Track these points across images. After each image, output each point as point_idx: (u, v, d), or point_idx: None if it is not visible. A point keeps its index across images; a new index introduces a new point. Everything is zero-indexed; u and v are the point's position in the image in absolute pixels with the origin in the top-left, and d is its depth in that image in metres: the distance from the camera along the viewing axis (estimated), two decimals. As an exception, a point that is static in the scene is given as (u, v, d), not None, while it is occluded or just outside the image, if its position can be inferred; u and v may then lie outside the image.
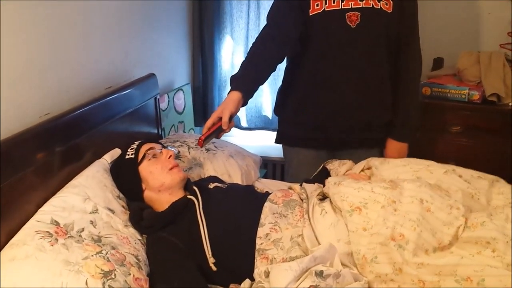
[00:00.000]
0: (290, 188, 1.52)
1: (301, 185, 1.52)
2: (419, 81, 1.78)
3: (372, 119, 1.67)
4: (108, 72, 1.77)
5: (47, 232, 1.16)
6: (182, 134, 2.31)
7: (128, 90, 1.74)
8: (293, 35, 1.57)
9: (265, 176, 2.54)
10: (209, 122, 1.48)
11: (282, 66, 1.75)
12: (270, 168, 2.75)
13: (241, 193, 1.49)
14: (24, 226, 1.18)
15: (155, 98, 1.96)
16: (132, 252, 1.27)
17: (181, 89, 2.42)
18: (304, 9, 1.55)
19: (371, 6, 1.53)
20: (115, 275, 1.14)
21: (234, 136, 2.87)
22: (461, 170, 1.37)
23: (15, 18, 1.28)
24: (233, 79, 1.54)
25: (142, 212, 1.40)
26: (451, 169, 1.35)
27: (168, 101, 2.26)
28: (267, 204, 1.37)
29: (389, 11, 1.54)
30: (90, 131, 1.50)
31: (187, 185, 1.49)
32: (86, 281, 1.08)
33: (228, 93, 1.52)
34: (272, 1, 1.64)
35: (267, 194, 1.47)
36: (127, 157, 1.48)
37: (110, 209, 1.35)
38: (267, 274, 1.13)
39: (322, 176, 1.56)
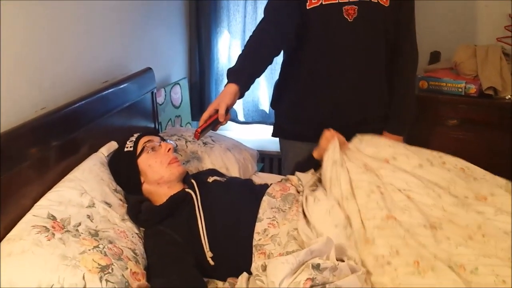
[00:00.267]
0: (287, 179, 1.52)
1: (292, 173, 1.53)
2: (415, 75, 1.78)
3: (369, 112, 1.67)
4: (105, 66, 1.76)
5: (44, 226, 1.16)
6: (179, 128, 2.31)
7: (125, 84, 1.73)
8: (290, 28, 1.57)
9: (262, 170, 2.54)
10: (205, 115, 1.48)
11: (279, 60, 1.74)
12: (267, 162, 2.75)
13: (240, 187, 1.49)
14: (20, 221, 1.18)
15: (152, 92, 1.96)
16: (130, 246, 1.27)
17: (178, 83, 2.41)
18: (301, 2, 1.55)
19: (368, 0, 1.53)
20: (112, 269, 1.14)
21: (231, 130, 2.87)
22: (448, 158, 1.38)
23: (12, 13, 1.27)
24: (230, 72, 1.54)
25: (140, 205, 1.39)
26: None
27: (165, 95, 2.25)
28: (265, 198, 1.38)
29: (386, 5, 1.54)
30: (86, 126, 1.50)
31: (186, 179, 1.49)
32: (83, 275, 1.08)
33: (225, 85, 1.52)
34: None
35: (266, 186, 1.47)
36: (125, 149, 1.47)
37: (107, 203, 1.35)
38: (264, 268, 1.13)
39: (310, 164, 1.56)
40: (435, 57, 2.35)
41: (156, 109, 2.01)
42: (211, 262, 1.30)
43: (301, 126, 1.74)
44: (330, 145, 1.43)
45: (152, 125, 1.99)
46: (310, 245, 1.15)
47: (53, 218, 1.20)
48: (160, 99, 2.16)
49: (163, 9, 2.30)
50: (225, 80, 1.54)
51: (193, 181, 1.45)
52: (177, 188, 1.44)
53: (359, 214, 1.25)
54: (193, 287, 1.22)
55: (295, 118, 1.74)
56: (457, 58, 2.14)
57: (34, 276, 1.06)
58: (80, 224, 1.22)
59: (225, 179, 1.55)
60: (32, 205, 1.23)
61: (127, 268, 1.18)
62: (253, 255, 1.27)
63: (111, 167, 1.49)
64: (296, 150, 1.77)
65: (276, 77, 1.84)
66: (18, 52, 1.31)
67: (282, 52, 1.72)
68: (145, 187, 1.45)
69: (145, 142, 1.48)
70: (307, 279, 1.04)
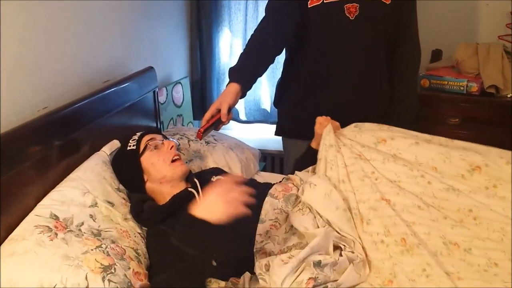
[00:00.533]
0: (288, 179, 1.51)
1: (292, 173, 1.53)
2: (416, 74, 1.78)
3: (369, 112, 1.67)
4: (106, 66, 1.76)
5: (47, 226, 1.16)
6: (181, 127, 2.31)
7: (127, 84, 1.73)
8: (291, 27, 1.57)
9: (264, 169, 2.54)
10: (207, 115, 1.48)
11: (280, 59, 1.74)
12: (268, 161, 2.75)
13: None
14: (23, 221, 1.18)
15: (154, 92, 1.96)
16: (132, 245, 1.27)
17: (180, 82, 2.41)
18: (302, 1, 1.54)
19: (370, -2, 1.53)
20: (114, 269, 1.14)
21: (232, 129, 2.86)
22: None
23: (13, 12, 1.27)
24: (232, 71, 1.54)
25: (142, 204, 1.39)
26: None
27: (167, 94, 2.25)
28: (268, 199, 1.37)
29: (388, 3, 1.53)
30: (88, 125, 1.50)
31: (189, 178, 1.48)
32: (86, 275, 1.09)
33: (227, 85, 1.52)
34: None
35: (268, 185, 1.47)
36: (128, 148, 1.47)
37: (109, 202, 1.35)
38: (267, 267, 1.14)
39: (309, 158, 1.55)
40: (436, 55, 2.35)
41: (158, 109, 2.01)
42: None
43: (302, 125, 1.73)
44: (325, 130, 1.45)
45: (154, 125, 1.99)
46: (309, 238, 1.15)
47: (56, 217, 1.20)
48: (162, 98, 2.16)
49: (164, 8, 2.30)
50: (227, 79, 1.54)
51: (196, 180, 1.45)
52: (180, 187, 1.44)
53: (355, 196, 1.28)
54: (194, 285, 1.22)
55: (296, 117, 1.74)
56: (459, 56, 2.13)
57: (36, 276, 1.06)
58: (82, 223, 1.22)
59: (229, 178, 1.55)
60: (34, 205, 1.23)
61: (129, 268, 1.18)
62: (255, 256, 1.27)
63: (114, 165, 1.49)
64: (298, 148, 1.77)
65: (278, 76, 1.84)
66: (19, 52, 1.31)
67: (284, 51, 1.72)
68: (148, 185, 1.45)
69: (147, 140, 1.48)
70: (309, 278, 1.04)
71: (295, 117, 1.74)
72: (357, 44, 1.58)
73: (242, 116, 2.74)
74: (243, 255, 1.28)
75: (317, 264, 1.07)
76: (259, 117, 2.73)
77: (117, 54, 1.84)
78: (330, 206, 1.24)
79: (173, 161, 1.45)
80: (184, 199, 1.39)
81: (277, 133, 1.87)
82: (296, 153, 1.77)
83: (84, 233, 1.20)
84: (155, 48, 2.21)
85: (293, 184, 1.47)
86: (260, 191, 1.43)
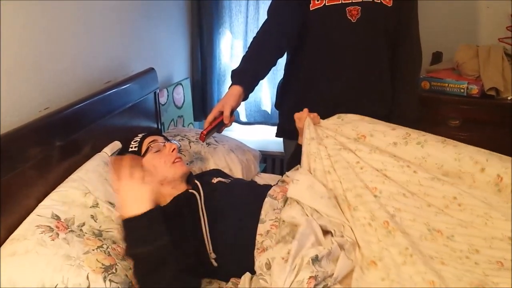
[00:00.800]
0: (283, 181, 1.52)
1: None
2: (418, 75, 1.78)
3: (371, 113, 1.67)
4: (107, 67, 1.76)
5: (48, 226, 1.16)
6: (182, 128, 2.31)
7: (128, 85, 1.74)
8: (293, 29, 1.57)
9: (264, 171, 2.54)
10: (210, 117, 1.48)
11: (281, 61, 1.75)
12: (269, 162, 2.75)
13: (244, 188, 1.49)
14: (24, 221, 1.18)
15: (155, 93, 1.96)
16: (133, 246, 1.27)
17: (181, 84, 2.41)
18: (304, 3, 1.55)
19: (371, 0, 1.53)
20: (116, 269, 1.14)
21: (233, 131, 2.87)
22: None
23: (14, 12, 1.27)
24: (234, 73, 1.54)
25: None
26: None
27: (168, 95, 2.25)
28: (267, 200, 1.38)
29: (389, 5, 1.54)
30: (89, 126, 1.50)
31: (190, 179, 1.49)
32: (87, 275, 1.09)
33: (229, 87, 1.52)
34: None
35: (269, 187, 1.47)
36: (130, 150, 1.48)
37: (110, 203, 1.34)
38: (268, 266, 1.13)
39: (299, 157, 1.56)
40: (437, 57, 2.36)
41: (159, 110, 2.01)
42: (214, 264, 1.30)
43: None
44: (305, 124, 1.46)
45: (155, 126, 1.99)
46: (294, 230, 1.17)
47: (57, 218, 1.20)
48: (162, 100, 2.17)
49: (165, 9, 2.30)
50: (228, 81, 1.55)
51: (197, 181, 1.45)
52: (181, 188, 1.44)
53: (341, 185, 1.30)
54: None
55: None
56: (459, 59, 2.14)
57: (38, 276, 1.06)
58: (84, 224, 1.23)
59: (229, 180, 1.55)
60: (36, 205, 1.23)
61: (130, 268, 1.17)
62: (255, 256, 1.27)
63: (115, 167, 1.49)
64: (299, 150, 1.77)
65: (278, 78, 1.85)
66: (21, 52, 1.32)
67: (285, 53, 1.72)
68: (150, 187, 1.45)
69: (149, 142, 1.48)
70: (310, 277, 1.04)
71: (296, 119, 1.75)
72: (359, 46, 1.58)
73: (243, 118, 2.75)
74: (243, 255, 1.28)
75: (315, 260, 1.07)
76: (259, 119, 2.73)
77: (118, 55, 1.85)
78: (315, 196, 1.26)
79: (173, 162, 1.45)
80: (185, 200, 1.39)
81: (278, 135, 1.87)
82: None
83: (85, 233, 1.21)
84: (156, 49, 2.22)
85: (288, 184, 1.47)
86: (260, 192, 1.44)
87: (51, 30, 1.43)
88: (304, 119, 1.47)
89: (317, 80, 1.65)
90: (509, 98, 2.04)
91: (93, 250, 1.16)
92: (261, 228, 1.31)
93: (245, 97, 1.53)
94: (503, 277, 1.05)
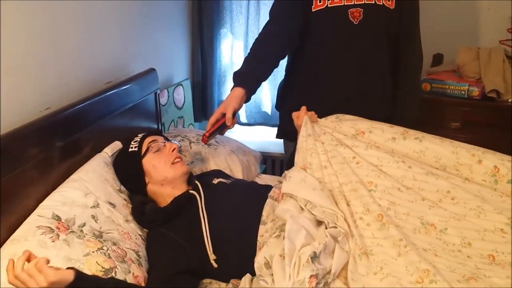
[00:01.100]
0: (282, 182, 1.52)
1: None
2: (419, 76, 1.78)
3: (373, 114, 1.67)
4: (109, 67, 1.76)
5: (49, 227, 1.16)
6: (183, 129, 2.31)
7: (128, 85, 1.74)
8: (295, 31, 1.57)
9: (264, 172, 2.54)
10: (212, 119, 1.48)
11: (283, 62, 1.74)
12: (269, 164, 2.75)
13: (244, 189, 1.49)
14: (25, 221, 1.18)
15: (155, 93, 1.96)
16: (133, 247, 1.27)
17: (181, 84, 2.41)
18: (306, 5, 1.55)
19: (373, 2, 1.53)
20: (115, 272, 1.14)
21: (233, 132, 2.86)
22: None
23: (15, 13, 1.27)
24: (236, 75, 1.54)
25: (143, 206, 1.39)
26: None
27: (168, 96, 2.25)
28: (268, 201, 1.38)
29: (391, 8, 1.54)
30: (90, 126, 1.50)
31: (190, 180, 1.48)
32: (87, 278, 1.09)
33: (231, 89, 1.52)
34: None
35: (269, 187, 1.47)
36: (130, 150, 1.47)
37: (111, 203, 1.35)
38: (268, 266, 1.13)
39: None
40: (437, 59, 2.36)
41: (159, 110, 2.01)
42: (215, 265, 1.30)
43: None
44: (303, 122, 1.48)
45: (155, 126, 1.99)
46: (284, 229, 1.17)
47: (58, 218, 1.20)
48: (163, 100, 2.16)
49: (166, 10, 2.30)
50: (228, 82, 1.55)
51: (197, 182, 1.45)
52: (181, 189, 1.44)
53: (337, 179, 1.32)
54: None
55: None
56: (460, 61, 2.14)
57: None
58: (84, 224, 1.22)
59: (230, 181, 1.55)
60: (36, 206, 1.23)
61: (129, 272, 1.18)
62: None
63: (116, 167, 1.49)
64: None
65: (279, 79, 1.85)
66: (22, 52, 1.31)
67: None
68: (150, 187, 1.45)
69: (149, 142, 1.48)
70: (311, 276, 1.04)
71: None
72: (360, 48, 1.58)
73: (243, 119, 2.74)
74: (244, 256, 1.27)
75: (314, 257, 1.07)
76: (260, 120, 2.73)
77: (119, 56, 1.84)
78: (307, 188, 1.28)
79: (174, 163, 1.45)
80: (185, 201, 1.39)
81: (278, 136, 1.87)
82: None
83: (86, 234, 1.20)
84: (157, 50, 2.21)
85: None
86: (261, 193, 1.43)
87: (52, 30, 1.43)
88: (302, 117, 1.48)
89: (318, 81, 1.65)
90: (509, 100, 2.03)
91: (93, 252, 1.15)
92: (262, 230, 1.31)
93: (247, 99, 1.53)
94: (494, 271, 1.08)
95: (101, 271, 1.12)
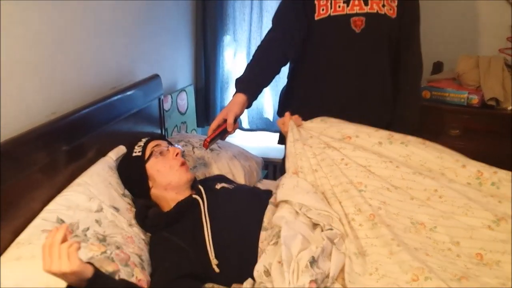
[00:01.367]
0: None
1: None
2: (420, 82, 1.80)
3: (374, 121, 1.69)
4: (113, 73, 1.78)
5: (53, 231, 1.17)
6: (186, 134, 2.32)
7: (133, 91, 1.75)
8: (298, 39, 1.59)
9: (265, 177, 2.55)
10: (214, 124, 1.49)
11: (285, 69, 1.76)
12: (270, 169, 2.76)
13: (247, 195, 1.50)
14: (30, 225, 1.20)
15: (159, 99, 1.98)
16: (136, 251, 1.28)
17: (184, 90, 2.43)
18: (309, 13, 1.57)
19: (375, 11, 1.55)
20: (119, 276, 1.15)
21: (235, 137, 2.88)
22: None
23: (20, 18, 1.29)
24: (238, 81, 1.55)
25: (147, 211, 1.40)
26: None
27: (172, 101, 2.27)
28: (269, 207, 1.38)
29: (393, 17, 1.56)
30: (95, 131, 1.52)
31: (194, 185, 1.49)
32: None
33: (233, 95, 1.53)
34: (276, 3, 1.66)
35: (269, 192, 1.49)
36: (134, 154, 1.48)
37: (115, 208, 1.36)
38: (267, 273, 1.14)
39: None
40: (437, 67, 2.37)
41: (163, 115, 2.02)
42: (217, 269, 1.30)
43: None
44: (288, 127, 1.49)
45: (159, 131, 2.01)
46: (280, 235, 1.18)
47: (62, 222, 1.21)
48: (166, 106, 2.18)
49: (170, 16, 2.32)
50: (230, 88, 1.57)
51: (200, 187, 1.46)
52: (184, 193, 1.45)
53: (328, 181, 1.34)
54: None
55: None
56: (460, 69, 2.15)
57: (42, 282, 1.06)
58: (88, 228, 1.23)
59: (233, 186, 1.56)
60: (41, 209, 1.25)
61: (133, 275, 1.18)
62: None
63: (120, 172, 1.50)
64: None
65: (281, 85, 1.86)
66: (28, 58, 1.33)
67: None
68: (153, 192, 1.46)
69: (153, 147, 1.49)
70: (311, 281, 1.05)
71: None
72: (362, 56, 1.60)
73: (245, 124, 2.76)
74: (245, 261, 1.28)
75: (313, 262, 1.08)
76: (261, 126, 2.75)
77: (124, 62, 1.86)
78: (301, 192, 1.30)
79: (180, 166, 1.46)
80: (188, 205, 1.40)
81: (280, 142, 1.88)
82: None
83: (90, 238, 1.21)
84: (161, 56, 2.23)
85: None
86: (263, 198, 1.45)
87: (58, 37, 1.45)
88: (288, 123, 1.50)
89: (320, 88, 1.66)
90: (509, 108, 2.05)
91: (97, 255, 1.16)
92: (263, 236, 1.31)
93: (248, 105, 1.55)
94: (482, 271, 1.09)
95: (104, 274, 1.13)
